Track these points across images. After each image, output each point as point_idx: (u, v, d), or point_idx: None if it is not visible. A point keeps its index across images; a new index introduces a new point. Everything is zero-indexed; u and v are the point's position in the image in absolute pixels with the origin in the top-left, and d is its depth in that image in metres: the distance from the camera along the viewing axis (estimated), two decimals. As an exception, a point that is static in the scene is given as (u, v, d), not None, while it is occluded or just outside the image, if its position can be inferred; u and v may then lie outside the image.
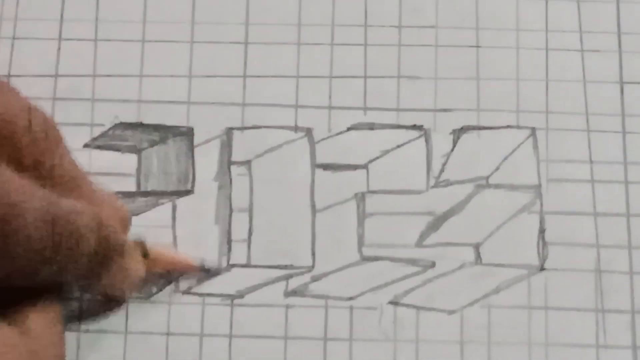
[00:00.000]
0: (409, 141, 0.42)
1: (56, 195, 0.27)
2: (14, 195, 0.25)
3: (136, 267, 0.34)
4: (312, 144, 0.42)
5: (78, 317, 0.37)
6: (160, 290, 0.39)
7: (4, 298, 0.28)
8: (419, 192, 0.41)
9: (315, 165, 0.41)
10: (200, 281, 0.40)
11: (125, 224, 0.35)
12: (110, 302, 0.37)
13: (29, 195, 0.26)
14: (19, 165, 0.28)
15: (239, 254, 0.40)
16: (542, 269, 0.40)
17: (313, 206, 0.41)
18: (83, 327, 0.38)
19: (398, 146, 0.42)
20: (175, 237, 0.40)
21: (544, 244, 0.40)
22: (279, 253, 0.40)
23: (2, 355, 0.26)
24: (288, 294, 0.40)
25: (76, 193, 0.30)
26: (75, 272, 0.29)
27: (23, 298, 0.28)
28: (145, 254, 0.36)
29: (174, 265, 0.39)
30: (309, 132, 0.42)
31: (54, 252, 0.27)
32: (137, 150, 0.41)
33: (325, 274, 0.40)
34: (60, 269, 0.28)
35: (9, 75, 0.42)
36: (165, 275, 0.39)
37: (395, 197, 0.41)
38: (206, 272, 0.40)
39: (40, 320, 0.28)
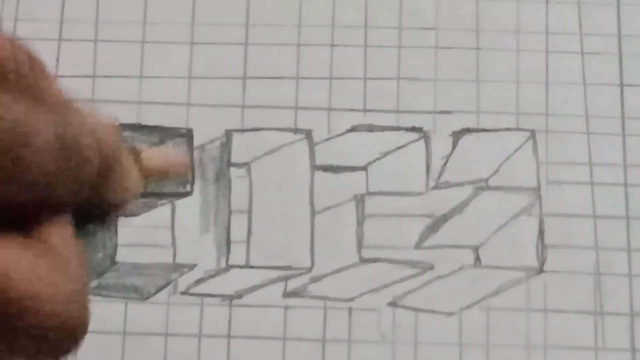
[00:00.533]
0: (409, 143, 0.42)
1: (58, 115, 0.27)
2: (24, 118, 0.25)
3: (134, 173, 0.34)
4: (312, 145, 0.42)
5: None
6: (159, 291, 0.39)
7: (21, 219, 0.28)
8: (418, 194, 0.41)
9: (315, 167, 0.41)
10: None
11: (117, 133, 0.35)
12: (111, 212, 0.37)
13: (37, 119, 0.26)
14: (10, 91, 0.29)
15: (238, 255, 0.40)
16: (541, 271, 0.40)
17: (312, 208, 0.41)
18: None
19: (398, 148, 0.42)
20: (174, 238, 0.40)
21: (543, 246, 0.40)
22: (278, 254, 0.40)
23: (32, 282, 0.26)
24: (287, 295, 0.40)
25: (68, 114, 0.31)
26: (81, 187, 0.29)
27: (39, 216, 0.29)
28: (137, 157, 0.37)
29: (166, 166, 0.39)
30: (308, 133, 0.42)
31: (63, 171, 0.27)
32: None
33: (324, 276, 0.40)
34: (70, 186, 0.28)
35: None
36: (161, 180, 0.39)
37: (395, 199, 0.41)
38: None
39: (60, 236, 0.28)
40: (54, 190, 0.27)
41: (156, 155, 0.38)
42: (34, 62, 0.30)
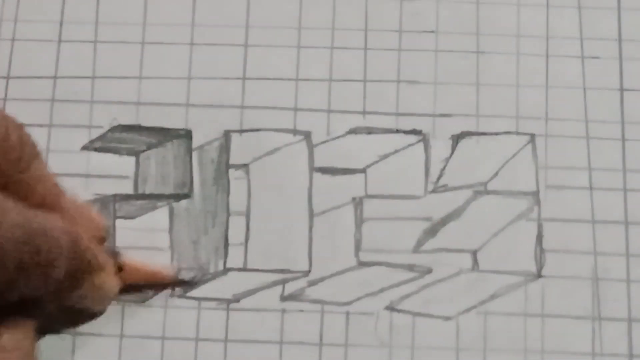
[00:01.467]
0: (408, 146, 0.42)
1: (31, 211, 0.27)
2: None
3: (110, 283, 0.33)
4: (311, 147, 0.42)
5: (46, 330, 0.36)
6: (156, 294, 0.39)
7: None
8: (416, 198, 0.41)
9: (313, 169, 0.41)
10: (182, 290, 0.40)
11: (102, 236, 0.34)
12: (82, 315, 0.37)
13: (5, 210, 0.25)
14: None
15: (235, 258, 0.40)
16: (539, 276, 0.40)
17: (310, 210, 0.41)
18: (78, 330, 0.38)
19: (396, 151, 0.42)
20: (172, 241, 0.40)
21: (542, 250, 0.40)
22: (275, 257, 0.40)
23: None
24: (284, 298, 0.40)
25: (50, 208, 0.30)
26: (47, 289, 0.28)
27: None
28: (119, 267, 0.36)
29: (149, 278, 0.39)
30: (307, 135, 0.42)
31: (27, 268, 0.27)
32: (135, 152, 0.41)
33: (321, 279, 0.40)
34: (33, 285, 0.27)
35: (9, 77, 0.42)
36: (143, 287, 0.39)
37: (393, 202, 0.41)
38: (184, 284, 0.40)
39: (11, 337, 0.28)
40: (14, 285, 0.27)
41: (139, 266, 0.38)
42: (25, 145, 0.29)
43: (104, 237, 0.34)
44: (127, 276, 0.37)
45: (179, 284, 0.40)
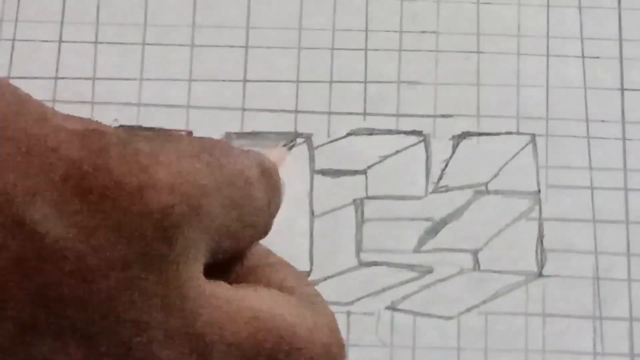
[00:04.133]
0: (409, 147, 0.42)
1: (253, 152, 0.28)
2: (242, 167, 0.26)
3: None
4: (312, 149, 0.42)
5: None
6: None
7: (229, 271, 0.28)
8: (417, 198, 0.41)
9: (314, 171, 0.41)
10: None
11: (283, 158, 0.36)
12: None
13: (247, 162, 0.27)
14: None
15: (236, 258, 0.40)
16: (540, 275, 0.40)
17: (311, 211, 0.41)
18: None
19: (397, 152, 0.42)
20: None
21: (543, 250, 0.40)
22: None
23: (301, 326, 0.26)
24: (285, 298, 0.40)
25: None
26: (270, 219, 0.30)
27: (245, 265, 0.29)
28: None
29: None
30: (308, 137, 0.42)
31: (270, 201, 0.28)
32: (136, 153, 0.41)
33: (322, 279, 0.40)
34: (274, 215, 0.29)
35: (9, 77, 0.42)
36: None
37: (394, 203, 0.41)
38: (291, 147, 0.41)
39: (289, 274, 0.29)
40: (271, 213, 0.28)
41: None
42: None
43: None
44: None
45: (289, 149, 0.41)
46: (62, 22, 0.43)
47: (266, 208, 0.27)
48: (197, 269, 0.23)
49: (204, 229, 0.23)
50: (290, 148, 0.41)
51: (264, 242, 0.40)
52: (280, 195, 0.30)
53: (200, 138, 0.26)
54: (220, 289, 0.24)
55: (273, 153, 0.40)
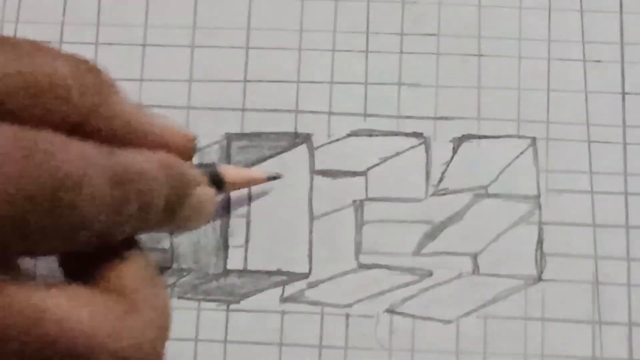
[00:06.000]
0: (409, 149, 0.42)
1: (119, 152, 0.27)
2: (75, 164, 0.24)
3: (207, 196, 0.33)
4: (312, 150, 0.42)
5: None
6: None
7: (89, 264, 0.28)
8: (417, 200, 0.41)
9: (314, 172, 0.41)
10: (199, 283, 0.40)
11: (190, 151, 0.34)
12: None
13: (90, 162, 0.25)
14: (75, 123, 0.28)
15: (235, 260, 0.40)
16: (539, 279, 0.40)
17: (311, 212, 0.41)
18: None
19: (397, 153, 0.42)
20: (172, 242, 0.40)
21: (542, 254, 0.40)
22: (275, 259, 0.40)
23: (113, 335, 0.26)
24: (284, 300, 0.40)
25: (137, 137, 0.30)
26: (150, 223, 0.29)
27: (108, 256, 0.28)
28: (219, 182, 0.37)
29: (247, 183, 0.39)
30: (308, 138, 0.42)
31: (125, 211, 0.27)
32: (135, 154, 0.41)
33: (321, 281, 0.40)
34: (135, 224, 0.27)
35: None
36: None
37: (394, 205, 0.41)
38: (272, 179, 0.41)
39: (132, 273, 0.28)
40: (117, 228, 0.27)
41: (239, 174, 0.39)
42: (100, 80, 0.29)
43: (193, 149, 0.34)
44: (228, 185, 0.37)
45: (269, 180, 0.41)
46: (62, 23, 0.43)
47: (106, 216, 0.26)
48: None
49: None
50: (272, 179, 0.41)
51: (265, 243, 0.40)
52: (150, 202, 0.28)
53: (30, 134, 0.24)
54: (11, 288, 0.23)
55: (250, 170, 0.40)
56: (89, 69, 0.29)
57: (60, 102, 0.27)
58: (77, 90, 0.27)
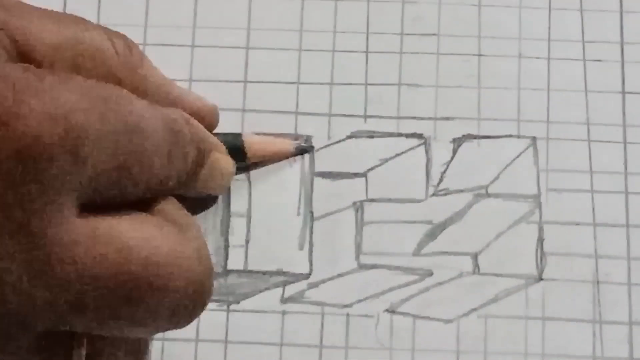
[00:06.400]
0: (409, 149, 0.42)
1: (155, 105, 0.29)
2: (140, 111, 0.27)
3: (225, 162, 0.36)
4: (312, 151, 0.42)
5: None
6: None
7: (144, 200, 0.29)
8: (417, 201, 0.41)
9: (314, 173, 0.41)
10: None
11: (212, 120, 0.38)
12: (206, 199, 0.39)
13: (149, 110, 0.28)
14: (119, 80, 0.31)
15: (236, 260, 0.40)
16: (540, 279, 0.40)
17: (311, 214, 0.41)
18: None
19: (397, 154, 0.42)
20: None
21: (543, 254, 0.40)
22: (276, 259, 0.40)
23: (161, 239, 0.27)
24: (284, 300, 0.40)
25: (167, 99, 0.34)
26: (186, 175, 0.31)
27: (156, 197, 0.30)
28: (241, 149, 0.39)
29: (273, 155, 0.40)
30: (308, 139, 0.42)
31: (174, 156, 0.29)
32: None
33: (322, 281, 0.40)
34: (178, 170, 0.30)
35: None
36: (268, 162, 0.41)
37: (394, 206, 0.41)
38: (302, 152, 0.41)
39: (175, 209, 0.29)
40: (167, 173, 0.28)
41: (259, 141, 0.40)
42: (131, 47, 0.32)
43: (215, 119, 0.38)
44: (252, 154, 0.39)
45: (298, 153, 0.41)
46: (62, 23, 0.43)
47: (163, 163, 0.28)
48: (67, 202, 0.24)
49: (77, 172, 0.24)
50: (299, 151, 0.41)
51: (265, 243, 0.40)
52: (188, 153, 0.30)
53: (102, 85, 0.26)
54: (91, 222, 0.25)
55: (277, 141, 0.40)
56: (124, 38, 0.32)
57: (102, 67, 0.30)
58: (120, 53, 0.31)
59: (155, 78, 0.34)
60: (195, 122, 0.33)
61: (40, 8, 0.30)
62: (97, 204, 0.26)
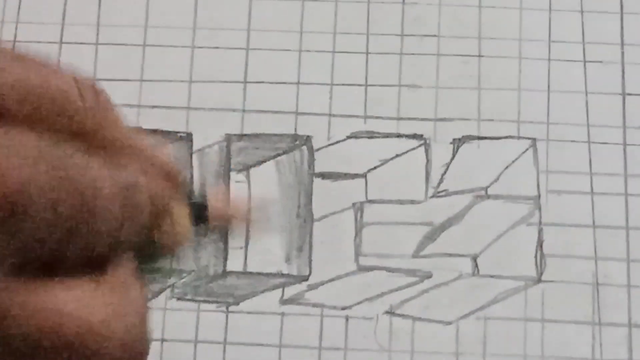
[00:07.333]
0: (409, 150, 0.42)
1: (117, 169, 0.28)
2: (95, 179, 0.25)
3: (182, 227, 0.35)
4: (311, 152, 0.42)
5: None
6: (156, 296, 0.39)
7: (94, 263, 0.29)
8: (417, 202, 0.41)
9: (314, 174, 0.41)
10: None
11: (177, 177, 0.35)
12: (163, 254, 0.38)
13: (106, 175, 0.27)
14: (77, 136, 0.30)
15: (235, 261, 0.40)
16: (539, 280, 0.40)
17: (311, 215, 0.41)
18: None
19: (397, 155, 0.42)
20: (172, 243, 0.40)
21: (542, 255, 0.40)
22: (275, 261, 0.40)
23: (87, 307, 0.27)
24: (284, 302, 0.40)
25: (129, 158, 0.32)
26: (140, 231, 0.30)
27: (107, 259, 0.30)
28: (201, 216, 0.37)
29: (228, 213, 0.40)
30: (308, 140, 0.42)
31: (123, 223, 0.28)
32: (135, 155, 0.41)
33: (321, 283, 0.40)
34: (132, 231, 0.29)
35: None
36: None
37: (394, 207, 0.41)
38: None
39: (124, 274, 0.29)
40: (120, 235, 0.28)
41: (217, 203, 0.39)
42: (99, 97, 0.31)
43: (177, 181, 0.35)
44: (212, 217, 0.38)
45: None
46: (63, 24, 0.43)
47: (114, 230, 0.26)
48: None
49: (8, 240, 0.23)
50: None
51: (264, 245, 0.40)
52: (144, 217, 0.29)
53: (56, 147, 0.26)
54: (23, 284, 0.23)
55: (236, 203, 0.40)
56: (92, 87, 0.30)
57: (64, 113, 0.28)
58: (85, 106, 0.29)
59: (119, 135, 0.33)
60: (157, 182, 0.32)
61: (8, 49, 0.29)
62: (36, 265, 0.25)
